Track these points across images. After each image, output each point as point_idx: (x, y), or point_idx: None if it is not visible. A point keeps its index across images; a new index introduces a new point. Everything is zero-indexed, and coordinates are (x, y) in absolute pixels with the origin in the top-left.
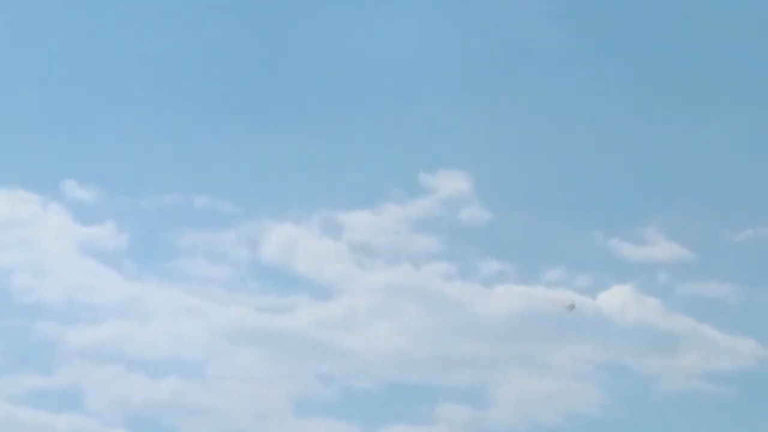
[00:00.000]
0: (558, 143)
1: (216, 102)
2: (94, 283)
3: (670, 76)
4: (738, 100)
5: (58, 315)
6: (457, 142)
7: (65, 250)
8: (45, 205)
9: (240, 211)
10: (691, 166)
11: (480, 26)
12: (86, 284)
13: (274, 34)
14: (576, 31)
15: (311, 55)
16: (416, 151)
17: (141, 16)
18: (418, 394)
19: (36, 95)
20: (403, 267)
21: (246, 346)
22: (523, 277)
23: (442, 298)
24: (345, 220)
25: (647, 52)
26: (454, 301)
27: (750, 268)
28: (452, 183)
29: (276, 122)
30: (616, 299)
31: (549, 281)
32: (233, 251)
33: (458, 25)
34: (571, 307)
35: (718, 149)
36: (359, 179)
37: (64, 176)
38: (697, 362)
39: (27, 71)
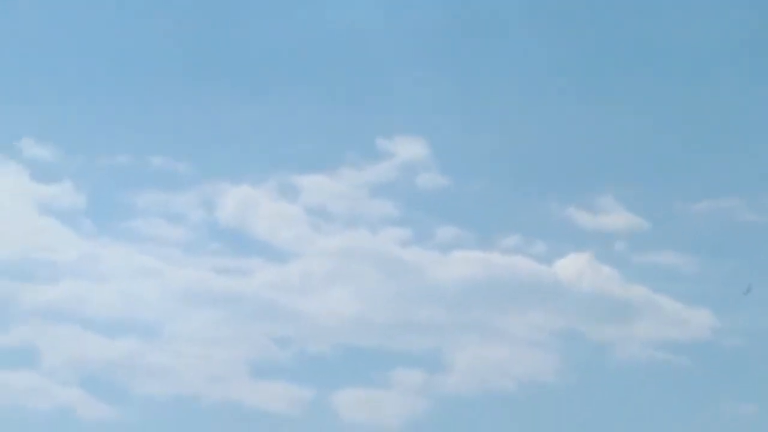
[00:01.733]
0: (517, 112)
1: (176, 66)
2: (50, 241)
3: (626, 45)
4: (697, 73)
5: (13, 273)
6: (414, 108)
7: (22, 208)
8: (2, 162)
9: (197, 172)
10: (648, 136)
11: None
12: (43, 243)
13: (234, 2)
14: (533, 1)
15: (269, 23)
16: (373, 117)
17: None
18: (373, 358)
19: None
20: (359, 231)
21: (202, 308)
22: (480, 244)
23: (398, 263)
24: (302, 184)
25: (603, 22)
26: (410, 266)
27: (706, 239)
28: (409, 148)
29: (235, 87)
30: (573, 267)
31: (505, 248)
32: (190, 212)
33: None
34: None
35: (677, 120)
36: (317, 144)
37: (22, 134)
38: (652, 331)
39: None
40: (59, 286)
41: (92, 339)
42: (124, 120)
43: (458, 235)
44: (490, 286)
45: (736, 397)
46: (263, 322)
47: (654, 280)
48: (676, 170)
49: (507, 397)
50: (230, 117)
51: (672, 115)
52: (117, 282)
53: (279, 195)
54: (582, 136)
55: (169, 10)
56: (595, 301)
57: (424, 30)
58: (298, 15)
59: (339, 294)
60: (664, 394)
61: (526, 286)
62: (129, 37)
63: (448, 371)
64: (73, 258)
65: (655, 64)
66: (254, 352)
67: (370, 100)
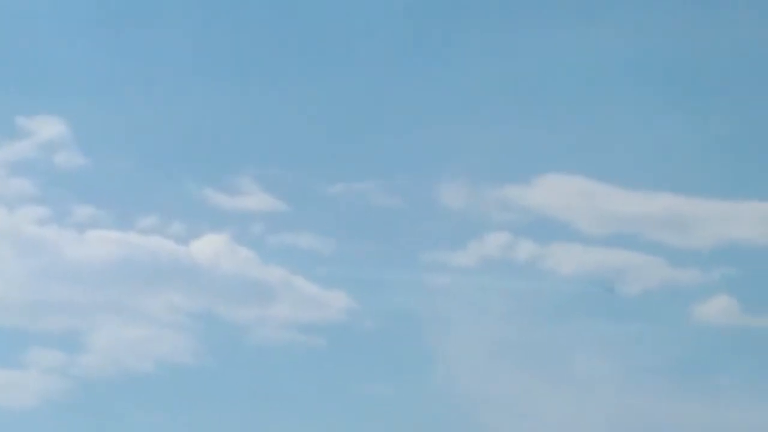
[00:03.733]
0: (156, 92)
1: None
2: None
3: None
4: (340, 62)
5: None
6: (56, 88)
7: None
8: None
9: None
10: (286, 119)
11: None
12: None
13: None
14: None
15: None
16: (13, 96)
17: None
18: (8, 339)
19: None
20: None
21: None
22: (117, 223)
23: (35, 242)
24: None
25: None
26: (48, 245)
27: (342, 221)
28: (49, 128)
29: None
30: (210, 248)
31: (142, 228)
32: None
33: None
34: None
35: (314, 103)
36: None
37: None
38: (289, 313)
39: None
40: None
41: None
42: None
43: (96, 215)
44: (127, 266)
45: (372, 378)
46: None
47: (291, 262)
48: (314, 153)
49: (145, 378)
50: None
51: (311, 99)
52: None
53: None
54: (222, 118)
55: None
56: (232, 282)
57: (76, 12)
58: None
59: None
60: (301, 375)
61: (163, 266)
62: None
63: (86, 352)
64: None
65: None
66: None
67: (10, 77)
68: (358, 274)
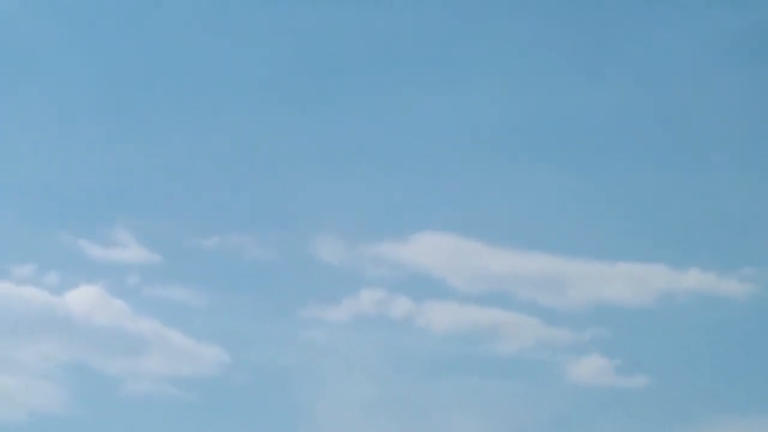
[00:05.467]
0: (29, 142)
1: None
2: None
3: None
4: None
5: None
6: None
7: None
8: None
9: None
10: (163, 171)
11: None
12: None
13: None
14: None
15: None
16: None
17: None
18: None
19: None
20: None
21: None
22: None
23: None
24: None
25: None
26: None
27: (216, 275)
28: None
29: None
30: (84, 299)
31: (18, 278)
32: None
33: None
34: None
35: (188, 156)
36: None
37: None
38: (163, 366)
39: None
40: None
41: None
42: None
43: None
44: (2, 316)
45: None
46: None
47: (165, 314)
48: (189, 205)
49: (17, 428)
50: None
51: (187, 151)
52: None
53: None
54: (97, 169)
55: None
56: (105, 334)
57: None
58: None
59: None
60: (174, 428)
61: (37, 316)
62: None
63: None
64: None
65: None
66: None
67: None
68: (232, 327)
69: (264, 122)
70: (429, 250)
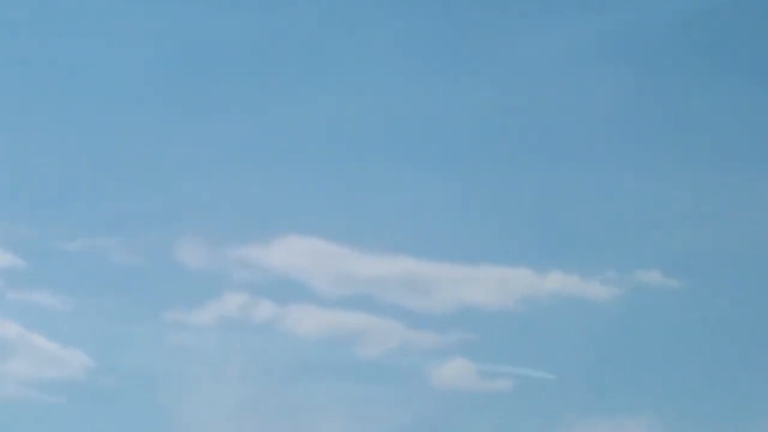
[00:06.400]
0: None
1: None
2: None
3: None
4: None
5: None
6: None
7: None
8: None
9: None
10: (24, 173)
11: None
12: None
13: None
14: None
15: None
16: None
17: None
18: None
19: None
20: None
21: None
22: None
23: None
24: None
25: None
26: None
27: (81, 278)
28: None
29: None
30: None
31: None
32: None
33: None
34: None
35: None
36: None
37: None
38: (27, 370)
39: None
40: None
41: None
42: None
43: None
44: None
45: None
46: None
47: (29, 318)
48: (52, 209)
49: None
50: None
51: (49, 153)
52: None
53: None
54: None
55: None
56: None
57: None
58: None
59: None
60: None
61: None
62: None
63: None
64: None
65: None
66: None
67: None
68: (97, 331)
69: (132, 124)
70: (293, 253)
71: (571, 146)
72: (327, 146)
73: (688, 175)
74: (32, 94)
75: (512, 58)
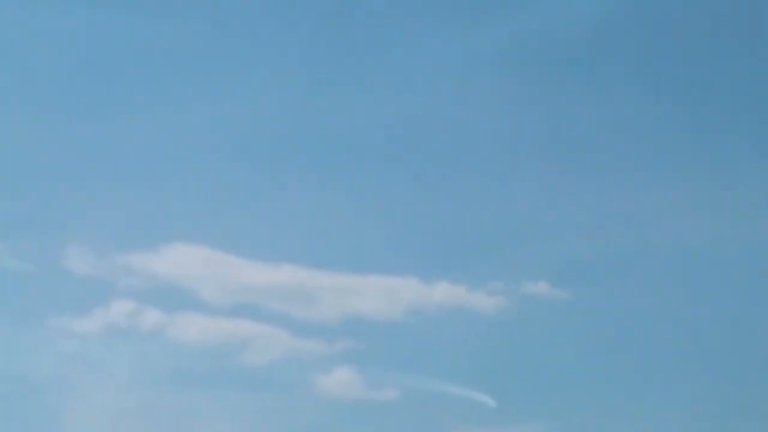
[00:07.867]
0: None
1: None
2: None
3: None
4: None
5: None
6: None
7: None
8: None
9: None
10: None
11: None
12: None
13: None
14: None
15: None
16: None
17: None
18: None
19: None
20: None
21: None
22: None
23: None
24: None
25: None
26: None
27: None
28: None
29: None
30: None
31: None
32: None
33: None
34: None
35: None
36: None
37: None
38: None
39: None
40: None
41: None
42: None
43: None
44: None
45: None
46: None
47: None
48: None
49: None
50: None
51: None
52: None
53: None
54: None
55: None
56: None
57: None
58: None
59: None
60: None
61: None
62: None
63: None
64: None
65: None
66: None
67: None
68: None
69: (17, 127)
70: (180, 261)
71: (459, 157)
72: (215, 153)
73: (574, 185)
74: None
75: (408, 67)
